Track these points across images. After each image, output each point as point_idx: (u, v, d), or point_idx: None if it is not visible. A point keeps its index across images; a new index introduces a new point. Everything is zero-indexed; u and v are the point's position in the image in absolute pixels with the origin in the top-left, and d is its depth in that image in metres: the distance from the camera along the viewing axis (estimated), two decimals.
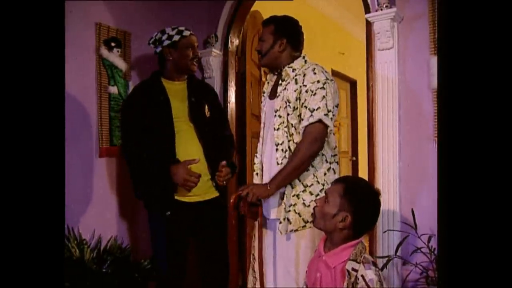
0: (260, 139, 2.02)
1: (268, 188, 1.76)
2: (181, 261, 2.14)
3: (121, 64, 2.44)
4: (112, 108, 2.41)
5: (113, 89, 2.42)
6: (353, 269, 1.40)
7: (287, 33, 1.93)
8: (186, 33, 2.18)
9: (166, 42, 2.15)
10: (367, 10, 2.37)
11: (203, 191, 2.14)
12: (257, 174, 1.99)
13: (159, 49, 2.20)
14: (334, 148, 1.91)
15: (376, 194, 1.54)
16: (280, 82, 1.92)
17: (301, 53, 1.97)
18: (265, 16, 3.27)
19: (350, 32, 5.29)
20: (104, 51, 2.37)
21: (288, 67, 1.90)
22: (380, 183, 2.27)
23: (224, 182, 2.15)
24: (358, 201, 1.46)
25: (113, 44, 2.41)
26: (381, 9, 2.24)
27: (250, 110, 3.08)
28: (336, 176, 1.87)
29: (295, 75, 1.86)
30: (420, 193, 2.18)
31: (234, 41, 3.03)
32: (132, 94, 2.25)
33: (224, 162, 2.12)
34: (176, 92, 2.18)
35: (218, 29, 2.97)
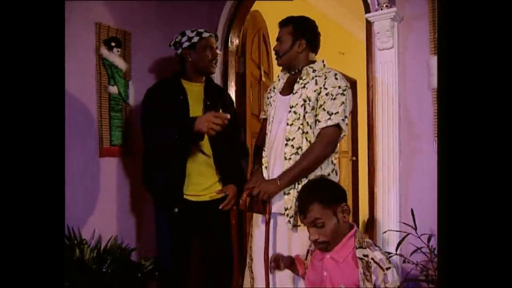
0: (268, 133, 2.01)
1: (279, 184, 1.82)
2: (185, 260, 2.14)
3: (121, 64, 2.44)
4: (112, 108, 2.41)
5: (113, 89, 2.42)
6: (364, 255, 1.47)
7: (306, 34, 1.98)
8: (205, 34, 2.20)
9: (186, 44, 2.18)
10: (367, 9, 2.37)
11: (209, 191, 2.14)
12: (265, 167, 1.99)
13: (179, 51, 2.22)
14: (337, 152, 1.97)
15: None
16: (298, 80, 1.95)
17: (316, 54, 2.03)
18: (265, 16, 3.30)
19: (350, 32, 5.29)
20: (104, 51, 2.37)
21: (309, 67, 1.94)
22: (380, 183, 2.27)
23: (234, 207, 2.16)
24: (335, 193, 1.59)
25: (113, 44, 2.41)
26: (381, 9, 2.24)
27: (250, 110, 3.08)
28: (337, 178, 1.94)
29: (315, 76, 1.92)
30: (420, 193, 2.18)
31: (234, 41, 3.03)
32: (154, 89, 2.22)
33: (231, 185, 2.15)
34: (194, 93, 2.20)
35: (218, 29, 2.96)
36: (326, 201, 1.53)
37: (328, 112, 1.83)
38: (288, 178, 1.82)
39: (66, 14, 1.70)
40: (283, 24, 2.01)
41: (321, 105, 1.86)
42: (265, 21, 3.32)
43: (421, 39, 2.20)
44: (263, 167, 1.98)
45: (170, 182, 2.09)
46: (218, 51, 2.92)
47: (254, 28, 3.17)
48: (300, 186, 1.85)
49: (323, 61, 1.99)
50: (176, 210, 2.07)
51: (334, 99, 1.84)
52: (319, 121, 1.85)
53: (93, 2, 2.35)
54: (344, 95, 1.85)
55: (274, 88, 2.10)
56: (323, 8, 4.65)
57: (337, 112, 1.83)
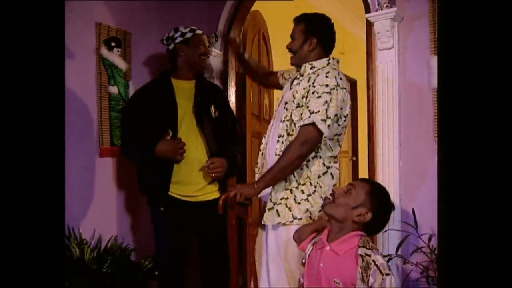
0: (268, 132, 2.01)
1: (255, 187, 1.77)
2: (181, 259, 2.14)
3: (121, 64, 2.44)
4: (112, 108, 2.41)
5: (113, 89, 2.41)
6: (366, 254, 1.45)
7: (318, 32, 1.92)
8: (198, 31, 2.28)
9: (179, 39, 2.23)
10: (367, 9, 2.36)
11: (206, 191, 2.14)
12: (258, 169, 2.00)
13: (171, 46, 2.26)
14: (335, 156, 1.90)
15: (391, 203, 1.60)
16: (298, 76, 1.94)
17: (330, 53, 1.96)
18: (265, 16, 3.29)
19: (350, 32, 5.29)
20: (104, 51, 2.37)
21: (309, 64, 1.90)
22: (380, 183, 2.27)
23: (213, 175, 2.11)
24: (381, 204, 1.53)
25: (113, 44, 2.41)
26: (381, 9, 2.24)
27: (250, 110, 3.08)
28: (334, 181, 1.88)
29: (312, 73, 1.87)
30: (420, 193, 2.18)
31: None
32: (138, 92, 2.28)
33: (215, 158, 2.11)
34: (184, 91, 2.21)
35: (218, 29, 2.96)
36: (370, 190, 1.52)
37: (309, 110, 1.76)
38: (265, 181, 1.77)
39: (66, 14, 1.71)
40: (297, 21, 1.97)
41: (306, 103, 1.80)
42: (265, 21, 3.31)
43: (421, 39, 2.20)
44: (260, 153, 2.00)
45: (156, 181, 2.12)
46: (218, 51, 2.94)
47: (254, 28, 3.17)
48: (286, 182, 1.83)
49: (328, 59, 1.91)
50: (162, 209, 2.09)
51: (319, 97, 1.77)
52: (301, 119, 1.79)
53: (93, 2, 2.35)
54: (330, 94, 1.76)
55: (290, 77, 2.08)
56: (323, 8, 4.64)
57: (318, 111, 1.74)
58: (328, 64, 1.90)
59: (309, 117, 1.75)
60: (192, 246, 2.24)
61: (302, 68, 1.91)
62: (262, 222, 1.86)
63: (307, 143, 1.76)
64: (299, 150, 1.75)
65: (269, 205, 1.83)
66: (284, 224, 1.81)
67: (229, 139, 2.28)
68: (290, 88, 1.91)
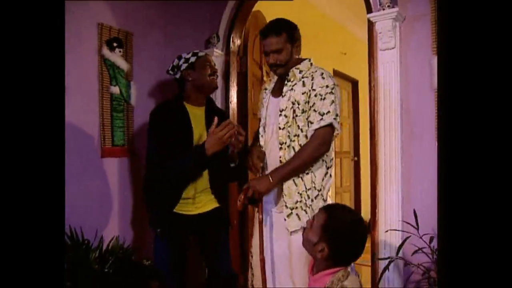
0: (260, 137, 2.01)
1: (271, 181, 1.80)
2: (180, 274, 2.14)
3: (123, 64, 2.45)
4: (114, 108, 2.42)
5: (115, 89, 2.42)
6: None
7: (298, 38, 1.97)
8: (201, 53, 2.21)
9: (184, 66, 2.16)
10: (369, 10, 2.36)
11: (203, 204, 2.14)
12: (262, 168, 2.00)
13: (178, 75, 2.20)
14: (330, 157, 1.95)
15: (358, 225, 1.44)
16: (286, 82, 1.93)
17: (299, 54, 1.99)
18: (267, 16, 3.29)
19: (352, 32, 5.28)
20: (106, 51, 2.37)
21: (295, 69, 1.92)
22: (381, 183, 2.27)
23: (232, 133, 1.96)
24: (336, 235, 1.39)
25: (115, 44, 2.41)
26: (383, 9, 2.24)
27: (252, 110, 3.08)
28: (331, 180, 1.93)
29: (302, 77, 1.90)
30: (421, 193, 2.18)
31: (236, 41, 3.03)
32: (158, 113, 2.16)
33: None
34: (196, 117, 2.16)
35: (220, 29, 2.97)
36: (324, 221, 1.42)
37: (319, 113, 1.82)
38: (280, 175, 1.81)
39: (68, 14, 1.71)
40: (277, 33, 1.89)
41: (311, 107, 1.84)
42: (267, 21, 3.32)
43: (423, 39, 2.20)
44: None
45: (159, 204, 2.11)
46: (219, 52, 2.94)
47: (256, 29, 3.17)
48: (297, 186, 1.84)
49: (309, 60, 1.96)
50: (158, 230, 2.09)
51: (324, 99, 1.82)
52: (311, 123, 1.83)
53: (95, 2, 2.36)
54: (333, 93, 1.83)
55: (266, 89, 2.10)
56: (324, 8, 4.64)
57: (329, 112, 1.81)
58: (311, 64, 1.95)
59: (322, 119, 1.81)
60: (193, 253, 2.24)
61: (290, 73, 1.92)
62: (287, 229, 1.85)
63: (325, 144, 1.83)
64: (317, 152, 1.82)
65: (287, 211, 1.85)
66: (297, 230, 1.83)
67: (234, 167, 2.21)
68: (283, 96, 1.90)
